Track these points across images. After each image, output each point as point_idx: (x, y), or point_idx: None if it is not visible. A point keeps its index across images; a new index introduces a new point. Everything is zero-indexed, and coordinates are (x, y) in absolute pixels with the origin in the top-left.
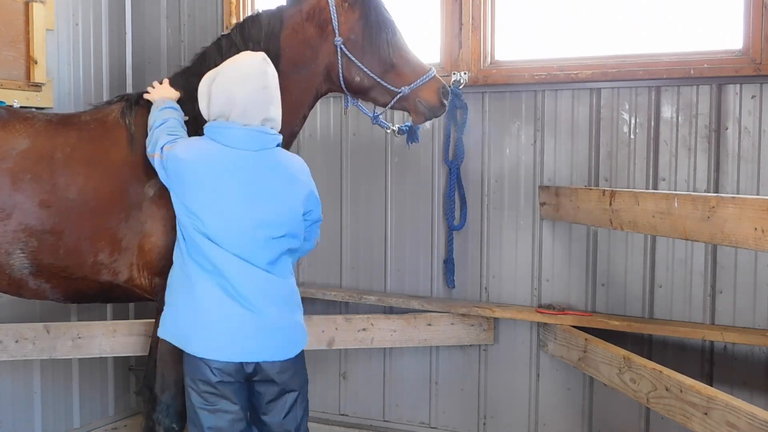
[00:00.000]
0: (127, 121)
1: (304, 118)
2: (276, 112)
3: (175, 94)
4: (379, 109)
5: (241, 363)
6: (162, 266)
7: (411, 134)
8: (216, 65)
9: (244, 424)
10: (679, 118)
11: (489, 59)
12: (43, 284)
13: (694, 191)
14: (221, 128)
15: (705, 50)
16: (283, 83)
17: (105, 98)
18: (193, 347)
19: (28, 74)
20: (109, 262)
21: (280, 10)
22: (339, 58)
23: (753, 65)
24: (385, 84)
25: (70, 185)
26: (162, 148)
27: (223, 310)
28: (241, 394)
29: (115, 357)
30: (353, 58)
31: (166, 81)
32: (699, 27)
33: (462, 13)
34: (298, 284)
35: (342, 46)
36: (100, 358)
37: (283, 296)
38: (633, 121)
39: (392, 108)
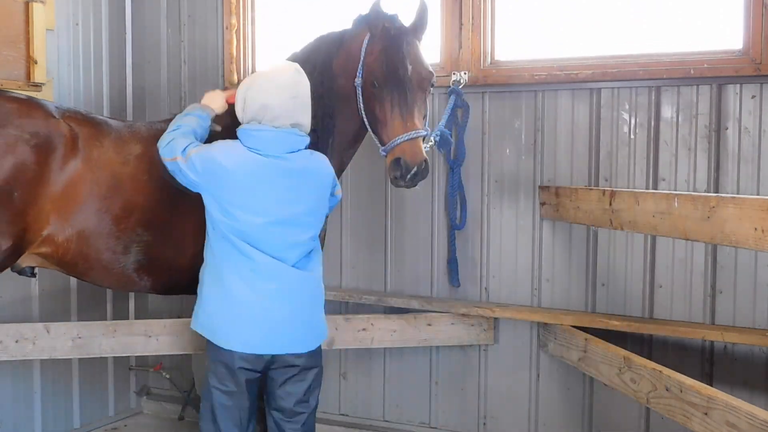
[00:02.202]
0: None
1: (352, 151)
2: (304, 118)
3: (220, 107)
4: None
5: (262, 355)
6: None
7: (444, 141)
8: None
9: (248, 409)
10: (679, 118)
11: (489, 59)
12: (146, 279)
13: (694, 191)
14: (254, 130)
15: (705, 50)
16: (333, 113)
17: (105, 98)
18: (220, 339)
19: (28, 74)
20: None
21: (339, 36)
22: (358, 96)
23: (753, 65)
24: (373, 135)
25: (176, 185)
26: (185, 152)
27: (248, 304)
28: (253, 385)
29: (115, 357)
30: (360, 100)
31: (224, 93)
32: (699, 27)
33: (462, 13)
34: None
35: (360, 87)
36: (100, 358)
37: (307, 292)
38: (633, 121)
39: None
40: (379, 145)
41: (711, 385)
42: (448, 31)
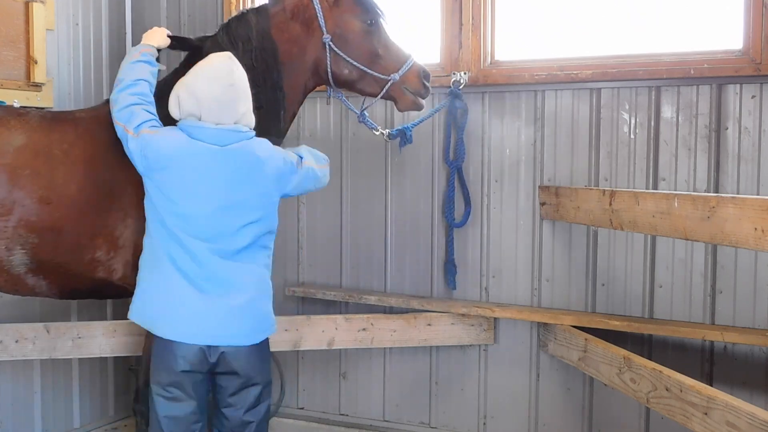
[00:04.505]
0: None
1: (294, 115)
2: (246, 107)
3: (164, 42)
4: (367, 103)
5: (204, 351)
6: None
7: (403, 137)
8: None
9: (197, 418)
10: (679, 118)
11: (489, 59)
12: (40, 281)
13: (694, 191)
14: (194, 127)
15: (705, 50)
16: (281, 82)
17: (105, 98)
18: (160, 329)
19: (28, 74)
20: (106, 260)
21: (264, 8)
22: (327, 53)
23: (753, 65)
24: (374, 74)
25: (69, 182)
26: (138, 129)
27: (189, 294)
28: (200, 388)
29: (115, 357)
30: (341, 53)
31: (163, 29)
32: (699, 27)
33: (462, 13)
34: (298, 284)
35: (330, 42)
36: (100, 358)
37: (249, 282)
38: (633, 121)
39: (382, 98)
40: (379, 75)
41: (711, 385)
42: (448, 31)
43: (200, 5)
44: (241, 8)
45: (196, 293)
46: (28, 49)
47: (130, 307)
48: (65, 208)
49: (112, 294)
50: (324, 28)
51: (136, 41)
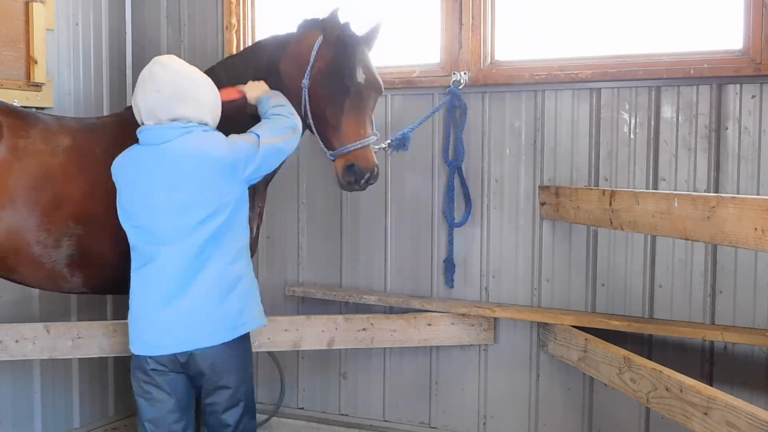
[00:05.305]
0: None
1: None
2: (188, 109)
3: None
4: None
5: (174, 354)
6: None
7: (402, 145)
8: (220, 82)
9: (178, 416)
10: (679, 118)
11: (489, 59)
12: (78, 275)
13: (694, 191)
14: (141, 132)
15: (705, 50)
16: None
17: (105, 98)
18: (133, 345)
19: (28, 74)
20: None
21: (285, 38)
22: (303, 97)
23: (753, 65)
24: (320, 139)
25: (109, 178)
26: None
27: (148, 304)
28: (176, 385)
29: (115, 357)
30: (307, 103)
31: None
32: (699, 27)
33: (462, 13)
34: (298, 284)
35: (306, 89)
36: (100, 358)
37: (203, 283)
38: (633, 121)
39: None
40: (323, 147)
41: (711, 385)
42: (448, 31)
43: (200, 5)
44: (241, 9)
45: (153, 303)
46: (28, 49)
47: None
48: (106, 201)
49: None
50: (308, 73)
51: (136, 41)
